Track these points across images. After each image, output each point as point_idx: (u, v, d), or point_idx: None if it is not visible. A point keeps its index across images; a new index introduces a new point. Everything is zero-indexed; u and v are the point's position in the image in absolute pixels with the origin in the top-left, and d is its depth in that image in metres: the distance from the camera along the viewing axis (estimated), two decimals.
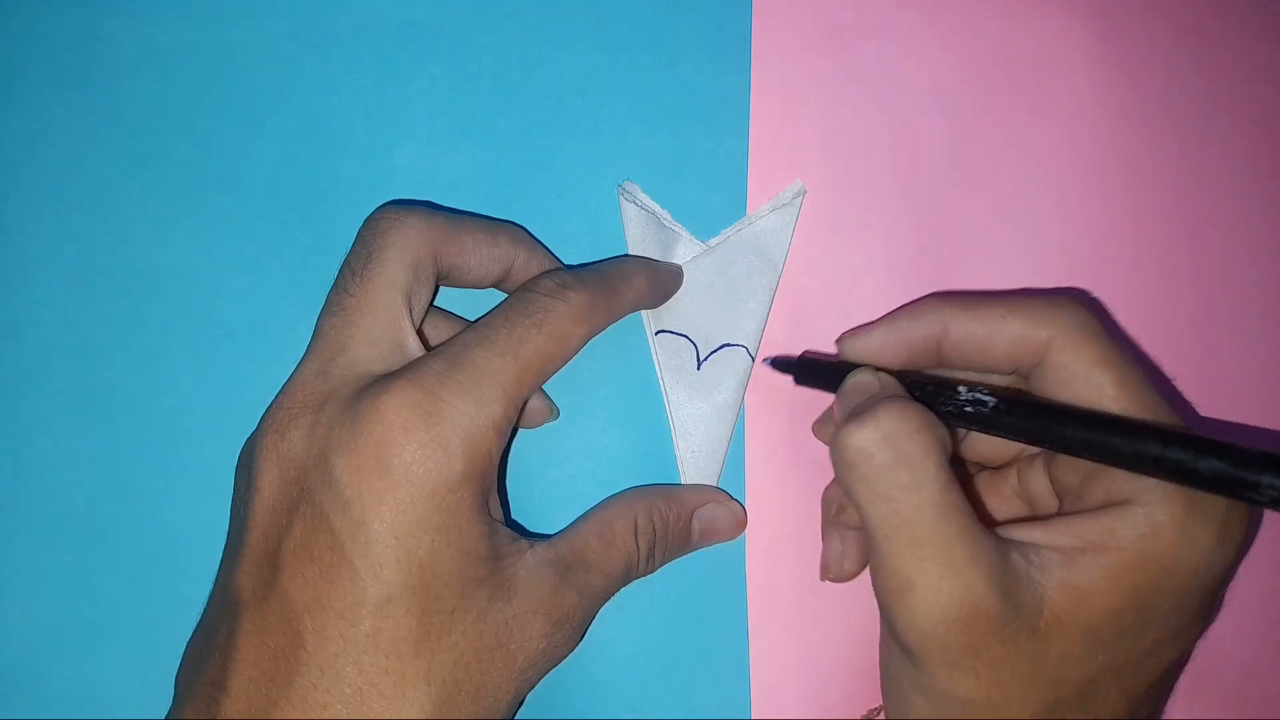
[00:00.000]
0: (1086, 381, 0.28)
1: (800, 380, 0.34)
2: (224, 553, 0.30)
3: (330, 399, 0.29)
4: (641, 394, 0.37)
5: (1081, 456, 0.27)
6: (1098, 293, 0.38)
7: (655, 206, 0.37)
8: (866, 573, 0.36)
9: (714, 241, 0.37)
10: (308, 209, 0.37)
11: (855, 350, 0.32)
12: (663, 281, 0.36)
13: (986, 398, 0.28)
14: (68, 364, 0.37)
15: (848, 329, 0.33)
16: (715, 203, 0.38)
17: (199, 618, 0.31)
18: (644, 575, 0.34)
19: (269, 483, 0.29)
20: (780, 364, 0.36)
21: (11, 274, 0.37)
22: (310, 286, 0.34)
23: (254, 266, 0.37)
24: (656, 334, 0.37)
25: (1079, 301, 0.29)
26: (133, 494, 0.37)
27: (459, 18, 0.38)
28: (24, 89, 0.38)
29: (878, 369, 0.31)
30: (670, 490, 0.35)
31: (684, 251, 0.37)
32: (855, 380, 0.31)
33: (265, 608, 0.28)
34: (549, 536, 0.32)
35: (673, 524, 0.34)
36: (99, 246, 0.38)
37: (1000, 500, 0.33)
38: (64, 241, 0.38)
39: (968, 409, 0.29)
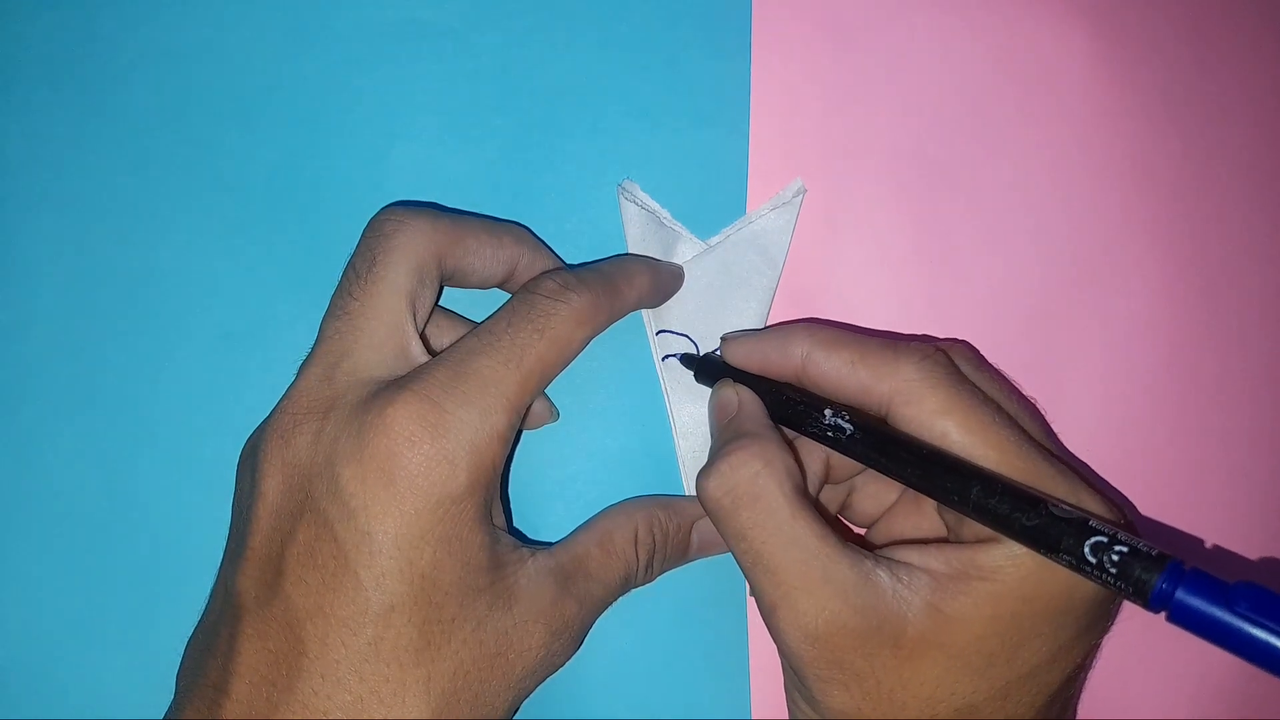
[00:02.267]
0: (932, 430, 0.29)
1: (698, 378, 0.36)
2: (225, 553, 0.30)
3: (335, 405, 0.29)
4: (642, 394, 0.37)
5: (921, 490, 0.29)
6: (1099, 292, 0.38)
7: (655, 205, 0.37)
8: None
9: (714, 240, 0.37)
10: (307, 209, 0.37)
11: (729, 356, 0.34)
12: (664, 281, 0.36)
13: (846, 425, 0.30)
14: (68, 364, 0.37)
15: (733, 331, 0.36)
16: (715, 201, 0.37)
17: (199, 617, 0.31)
18: (642, 585, 0.34)
19: (273, 487, 0.29)
20: (685, 360, 0.37)
21: (11, 274, 0.37)
22: (310, 286, 0.34)
23: (253, 266, 0.37)
24: (657, 333, 0.37)
25: (925, 352, 0.30)
26: (133, 494, 0.37)
27: (459, 18, 0.38)
28: (24, 89, 0.38)
29: (750, 377, 0.33)
30: (670, 501, 0.35)
31: (684, 250, 0.37)
32: (718, 398, 0.34)
33: (267, 612, 0.28)
34: (549, 545, 0.32)
35: (672, 535, 0.34)
36: (99, 246, 0.37)
37: (921, 518, 0.33)
38: (64, 241, 0.38)
39: (829, 433, 0.30)
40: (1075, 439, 0.37)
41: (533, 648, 0.30)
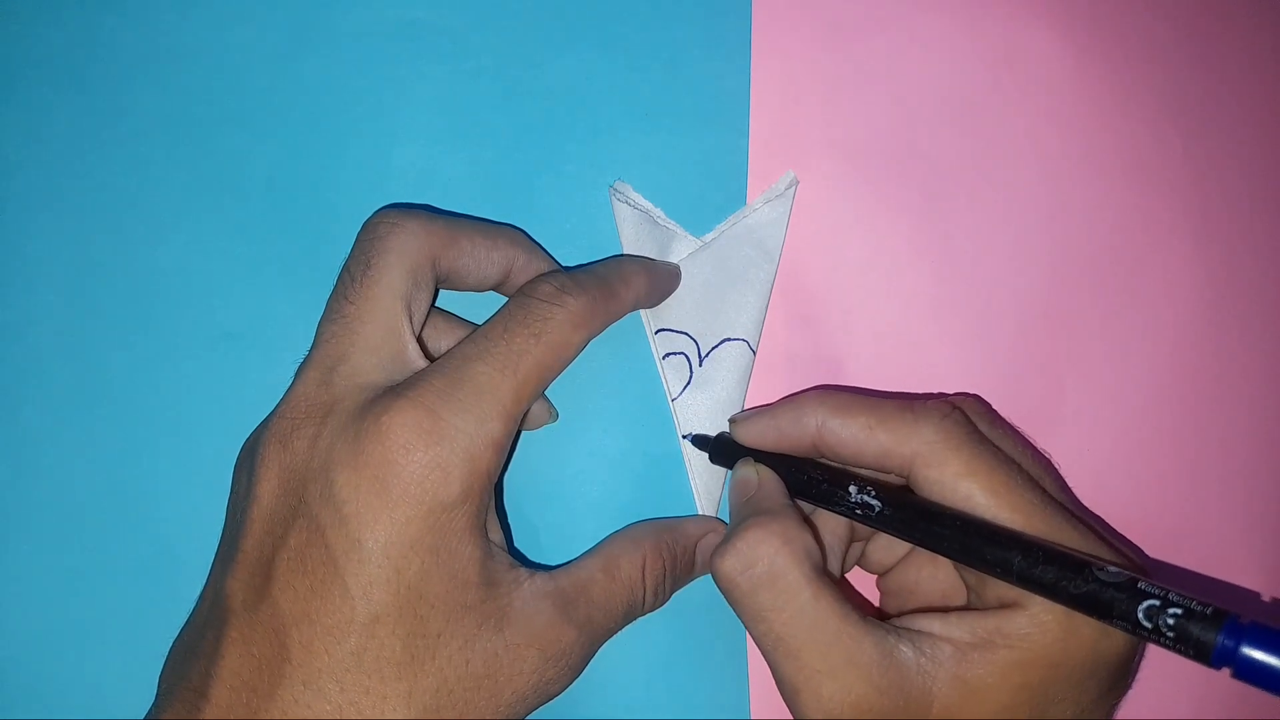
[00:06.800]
0: (955, 492, 0.29)
1: (713, 459, 0.36)
2: (217, 555, 0.30)
3: (333, 411, 0.29)
4: (643, 393, 0.37)
5: (960, 562, 0.29)
6: (1099, 292, 0.38)
7: (648, 205, 0.37)
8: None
9: (709, 237, 0.37)
10: (307, 209, 0.37)
11: (740, 436, 0.34)
12: (660, 280, 0.36)
13: (874, 501, 0.30)
14: (68, 364, 0.37)
15: (742, 410, 0.35)
16: (716, 202, 0.37)
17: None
18: (649, 612, 0.33)
19: (268, 490, 0.29)
20: (698, 441, 0.36)
21: (11, 274, 0.38)
22: (310, 287, 0.34)
23: (253, 267, 0.37)
24: (657, 332, 0.37)
25: (944, 412, 0.30)
26: (132, 494, 0.37)
27: (458, 18, 0.38)
28: (24, 89, 0.38)
29: (768, 454, 0.33)
30: (674, 524, 0.35)
31: (680, 249, 0.37)
32: (737, 476, 0.34)
33: (254, 616, 0.28)
34: (551, 568, 0.31)
35: (679, 558, 0.34)
36: (99, 246, 0.38)
37: (936, 566, 0.33)
38: (64, 241, 0.38)
39: (857, 511, 0.30)
40: (1075, 434, 0.37)
41: (524, 672, 0.29)
